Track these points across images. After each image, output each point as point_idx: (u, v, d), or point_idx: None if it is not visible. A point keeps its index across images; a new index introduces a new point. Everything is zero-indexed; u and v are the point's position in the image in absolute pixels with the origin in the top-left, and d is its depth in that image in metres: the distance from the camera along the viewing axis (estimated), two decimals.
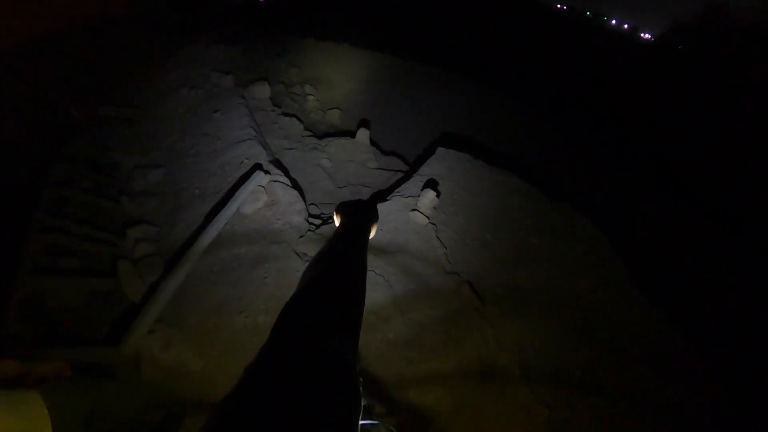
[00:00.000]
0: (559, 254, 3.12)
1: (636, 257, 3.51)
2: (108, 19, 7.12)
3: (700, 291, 4.18)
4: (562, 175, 5.61)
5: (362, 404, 1.18)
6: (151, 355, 2.67)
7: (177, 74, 5.40)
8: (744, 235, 5.53)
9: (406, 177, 4.02)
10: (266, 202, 3.37)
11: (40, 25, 6.74)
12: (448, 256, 2.92)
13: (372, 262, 2.85)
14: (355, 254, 0.70)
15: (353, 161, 4.74)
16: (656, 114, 10.66)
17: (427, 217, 3.17)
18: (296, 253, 3.03)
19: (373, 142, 5.15)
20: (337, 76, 6.69)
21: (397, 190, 3.57)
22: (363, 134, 4.92)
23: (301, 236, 3.20)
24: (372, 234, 0.89)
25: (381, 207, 3.33)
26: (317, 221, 3.55)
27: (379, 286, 2.67)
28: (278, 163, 4.05)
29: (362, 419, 1.13)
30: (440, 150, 4.09)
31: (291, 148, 4.63)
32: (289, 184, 3.67)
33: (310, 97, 6.09)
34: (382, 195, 3.89)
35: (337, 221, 0.93)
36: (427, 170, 3.78)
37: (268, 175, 3.52)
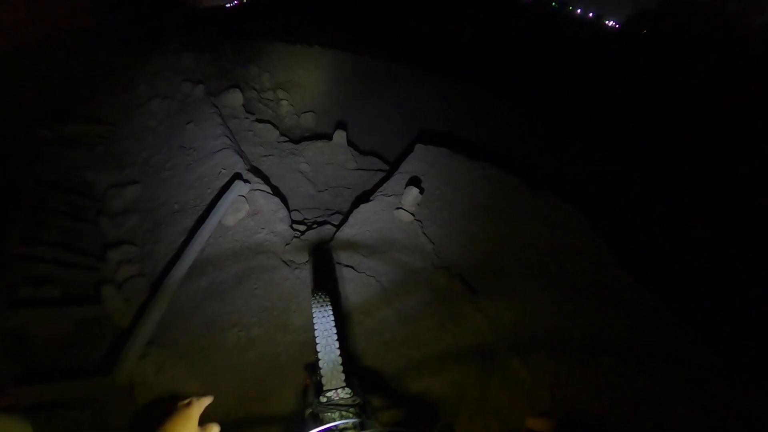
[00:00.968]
0: (543, 239, 3.17)
1: (616, 236, 3.59)
2: (72, 33, 6.89)
3: (672, 262, 4.33)
4: (540, 164, 5.71)
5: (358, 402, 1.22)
6: (145, 381, 2.61)
7: (146, 86, 5.28)
8: (716, 210, 5.73)
9: (387, 176, 4.02)
10: (248, 212, 3.33)
11: (2, 42, 6.50)
12: (436, 252, 2.94)
13: (362, 263, 2.85)
14: None
15: (332, 164, 4.73)
16: (628, 99, 10.92)
17: (412, 215, 3.19)
18: (284, 261, 3.01)
19: (350, 143, 5.13)
20: (309, 80, 6.64)
21: (379, 190, 3.57)
22: (340, 136, 4.90)
23: (287, 244, 3.18)
24: None
25: (365, 207, 3.34)
26: (302, 227, 3.53)
27: (371, 286, 2.68)
28: (257, 171, 4.01)
29: (359, 417, 1.17)
30: (419, 146, 4.10)
31: (268, 155, 4.58)
32: (270, 192, 3.63)
33: (283, 102, 6.03)
34: (365, 196, 3.90)
35: None
36: (408, 167, 3.80)
37: (248, 184, 3.48)
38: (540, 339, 2.50)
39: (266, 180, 3.86)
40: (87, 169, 4.13)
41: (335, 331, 1.38)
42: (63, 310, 2.90)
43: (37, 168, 4.01)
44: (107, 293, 3.02)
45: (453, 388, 2.27)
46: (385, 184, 3.62)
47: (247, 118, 5.13)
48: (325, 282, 2.78)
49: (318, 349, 1.33)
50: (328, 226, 3.53)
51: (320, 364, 1.30)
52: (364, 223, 3.18)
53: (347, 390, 1.25)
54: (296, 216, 3.86)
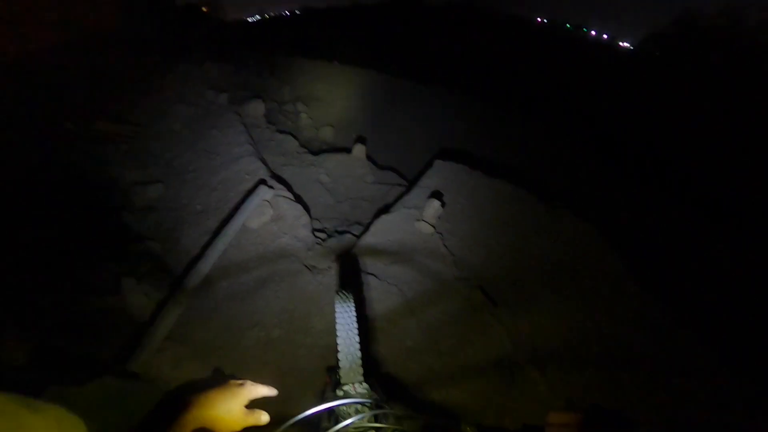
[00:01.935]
0: (560, 254, 3.21)
1: (632, 252, 3.63)
2: (100, 37, 7.08)
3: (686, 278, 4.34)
4: (557, 181, 5.79)
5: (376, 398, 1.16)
6: (160, 375, 2.61)
7: (172, 91, 5.41)
8: (732, 226, 5.78)
9: (407, 189, 4.10)
10: (272, 217, 3.38)
11: (35, 41, 6.69)
12: (457, 263, 2.98)
13: (384, 271, 2.89)
14: None
15: (351, 176, 4.80)
16: (641, 118, 11.10)
17: (433, 227, 3.24)
18: (306, 266, 3.04)
19: (368, 158, 5.22)
20: (328, 94, 6.79)
21: (400, 201, 3.64)
22: (359, 149, 5.00)
23: (310, 250, 3.22)
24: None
25: (386, 218, 3.39)
26: (323, 235, 3.58)
27: (393, 295, 2.71)
28: (279, 178, 4.08)
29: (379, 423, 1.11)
30: (438, 162, 4.19)
31: (288, 165, 4.66)
32: (293, 198, 3.69)
33: (303, 115, 6.15)
34: (384, 208, 3.96)
35: None
36: (428, 182, 3.87)
37: (272, 189, 3.55)
38: (558, 352, 2.52)
39: (289, 187, 3.93)
40: (112, 165, 4.20)
41: (356, 327, 1.34)
42: (82, 299, 2.93)
43: (65, 161, 4.09)
44: (127, 286, 3.04)
45: (473, 398, 2.28)
46: (405, 197, 3.68)
47: (268, 128, 5.24)
48: (348, 286, 2.81)
49: (338, 342, 1.30)
50: (349, 235, 3.58)
51: (339, 356, 1.27)
52: (386, 233, 3.23)
53: (365, 385, 1.20)
54: (316, 225, 3.91)
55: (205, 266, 2.99)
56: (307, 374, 2.47)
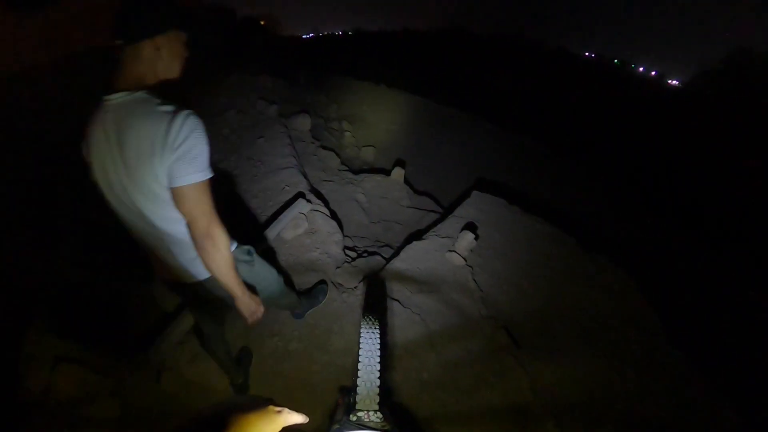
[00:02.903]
0: (593, 303, 3.09)
1: (670, 307, 3.45)
2: None
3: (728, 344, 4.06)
4: (597, 223, 5.62)
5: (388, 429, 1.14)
6: (176, 367, 2.66)
7: (225, 98, 5.67)
8: None
9: (441, 218, 4.08)
10: (306, 230, 3.43)
11: (101, 42, 7.23)
12: (484, 300, 2.92)
13: (409, 299, 2.86)
14: None
15: (387, 198, 4.83)
16: (691, 160, 10.65)
17: (464, 259, 3.19)
18: (333, 283, 3.06)
19: (406, 181, 5.26)
20: (373, 115, 6.93)
21: (433, 230, 3.62)
22: (398, 173, 5.04)
23: (338, 267, 3.24)
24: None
25: (417, 245, 3.37)
26: (353, 254, 3.60)
27: (416, 324, 2.67)
28: (318, 193, 4.15)
29: None
30: (475, 194, 4.16)
31: (328, 180, 4.75)
32: (329, 214, 3.75)
33: (347, 133, 6.29)
34: (417, 234, 3.95)
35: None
36: (463, 212, 3.84)
37: (309, 203, 3.61)
38: (579, 406, 2.40)
39: (326, 203, 3.99)
40: None
41: (379, 354, 1.36)
42: (114, 280, 3.04)
43: None
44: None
45: None
46: (439, 225, 3.66)
47: (313, 143, 5.37)
48: (373, 309, 2.80)
49: (359, 368, 1.31)
50: (378, 257, 3.58)
51: (358, 382, 1.28)
52: (415, 259, 3.21)
53: (379, 414, 1.20)
54: (347, 242, 3.94)
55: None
56: (319, 391, 2.45)
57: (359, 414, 1.19)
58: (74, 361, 2.56)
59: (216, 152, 4.74)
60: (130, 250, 3.30)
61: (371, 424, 1.15)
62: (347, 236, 4.05)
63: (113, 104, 1.21)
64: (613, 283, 3.32)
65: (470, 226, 3.51)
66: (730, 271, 5.55)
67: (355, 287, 3.04)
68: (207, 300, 1.72)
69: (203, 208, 1.29)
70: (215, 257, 1.32)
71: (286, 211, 3.40)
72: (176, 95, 1.34)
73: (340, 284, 3.07)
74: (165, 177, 1.21)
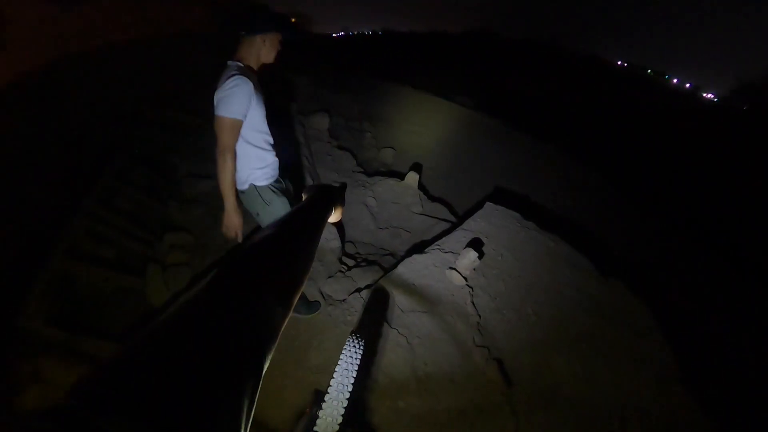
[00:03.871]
0: (603, 339, 2.79)
1: (690, 346, 3.11)
2: (193, 35, 7.71)
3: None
4: (616, 243, 5.22)
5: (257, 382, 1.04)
6: None
7: None
8: None
9: (450, 229, 3.85)
10: None
11: (134, 34, 7.46)
12: (480, 326, 2.68)
13: (399, 318, 2.67)
14: (310, 227, 0.72)
15: (398, 203, 4.64)
16: (725, 178, 9.89)
17: (465, 279, 2.96)
18: (321, 293, 2.91)
19: (421, 187, 5.05)
20: (396, 117, 6.75)
21: (436, 243, 3.40)
22: (412, 177, 4.83)
23: (330, 276, 3.08)
24: (334, 218, 0.93)
25: (418, 259, 3.17)
26: (351, 262, 3.44)
27: (400, 347, 2.47)
28: None
29: None
30: (489, 205, 3.91)
31: (339, 182, 4.61)
32: None
33: (368, 134, 6.14)
34: (422, 244, 3.74)
35: (303, 198, 0.94)
36: (473, 225, 3.60)
37: None
38: None
39: None
40: (174, 154, 4.40)
41: (353, 379, 1.29)
42: (109, 274, 3.03)
43: (131, 141, 4.34)
44: (151, 271, 3.11)
45: None
46: (444, 238, 3.44)
47: (329, 142, 5.25)
48: (360, 328, 2.63)
49: (328, 390, 1.25)
50: (377, 267, 3.40)
51: (325, 398, 1.23)
52: (413, 275, 3.01)
53: None
54: (350, 248, 3.78)
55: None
56: (287, 407, 2.30)
57: None
58: (62, 348, 2.56)
59: None
60: (125, 243, 3.31)
61: None
62: (350, 241, 3.90)
63: (228, 64, 1.99)
64: (628, 316, 3.02)
65: (476, 243, 3.27)
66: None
67: (343, 300, 2.87)
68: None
69: (223, 135, 1.93)
70: (221, 169, 1.99)
71: (287, 212, 3.27)
72: (272, 72, 2.38)
73: (329, 296, 2.91)
74: None
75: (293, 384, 2.39)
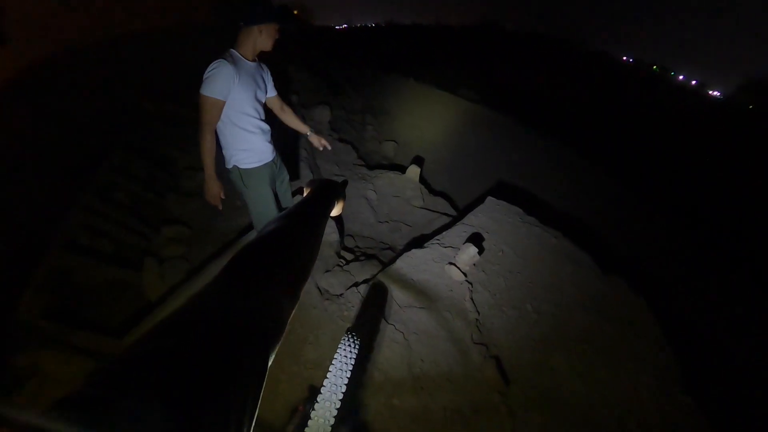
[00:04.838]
0: (603, 338, 2.75)
1: (691, 344, 3.06)
2: (193, 26, 7.65)
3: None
4: (619, 240, 5.16)
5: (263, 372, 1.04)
6: None
7: None
8: None
9: (450, 224, 3.80)
10: None
11: (131, 25, 7.40)
12: (479, 323, 2.64)
13: (396, 314, 2.63)
14: (314, 220, 0.74)
15: (399, 197, 4.60)
16: (729, 177, 9.78)
17: (464, 275, 2.92)
18: (318, 287, 2.87)
19: (423, 180, 4.99)
20: (397, 110, 6.67)
21: (436, 238, 3.35)
22: (413, 171, 4.78)
23: (327, 270, 3.05)
24: (335, 212, 0.95)
25: (416, 253, 3.13)
26: (349, 256, 3.40)
27: (396, 343, 2.44)
28: None
29: None
30: (490, 200, 3.86)
31: (339, 176, 4.57)
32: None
33: (369, 127, 6.08)
34: (422, 239, 3.70)
35: (306, 192, 0.97)
36: (474, 220, 3.55)
37: None
38: None
39: None
40: (173, 147, 4.36)
41: (347, 379, 1.28)
42: (106, 266, 3.02)
43: (131, 135, 4.31)
44: (148, 264, 3.09)
45: None
46: (444, 233, 3.39)
47: (330, 135, 5.20)
48: (356, 324, 2.60)
49: (321, 391, 1.25)
50: (376, 261, 3.37)
51: (318, 398, 1.23)
52: (411, 270, 2.97)
53: None
54: (349, 242, 3.75)
55: (223, 263, 2.94)
56: (281, 402, 2.28)
57: None
58: (60, 341, 2.56)
59: None
60: (123, 236, 3.29)
61: None
62: (350, 235, 3.86)
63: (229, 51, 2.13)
64: (628, 314, 2.97)
65: (476, 238, 3.22)
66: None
67: (340, 294, 2.84)
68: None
69: (203, 112, 2.06)
70: (201, 144, 2.13)
71: (287, 208, 3.23)
72: (268, 60, 2.44)
73: (326, 290, 2.88)
74: None
75: (288, 378, 2.36)
